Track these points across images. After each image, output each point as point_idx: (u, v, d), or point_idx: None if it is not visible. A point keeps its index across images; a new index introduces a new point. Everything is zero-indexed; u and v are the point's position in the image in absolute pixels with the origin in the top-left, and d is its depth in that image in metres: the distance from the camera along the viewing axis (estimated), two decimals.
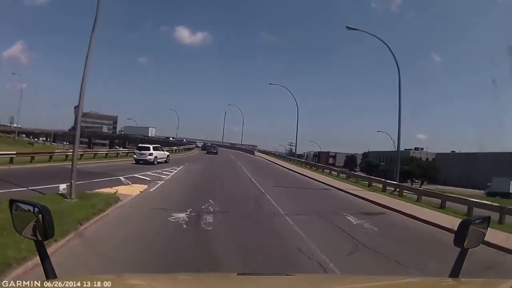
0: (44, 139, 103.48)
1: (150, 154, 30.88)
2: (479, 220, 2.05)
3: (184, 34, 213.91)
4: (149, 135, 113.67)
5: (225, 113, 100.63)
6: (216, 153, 58.32)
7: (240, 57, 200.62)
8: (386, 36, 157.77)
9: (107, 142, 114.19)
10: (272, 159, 56.99)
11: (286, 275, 2.13)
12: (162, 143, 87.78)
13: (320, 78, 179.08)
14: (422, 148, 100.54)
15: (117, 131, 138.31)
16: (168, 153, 36.41)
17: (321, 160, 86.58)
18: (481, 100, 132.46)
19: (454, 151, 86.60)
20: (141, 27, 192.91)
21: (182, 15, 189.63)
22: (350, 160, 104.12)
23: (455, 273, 1.92)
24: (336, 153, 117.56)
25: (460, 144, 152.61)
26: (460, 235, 1.91)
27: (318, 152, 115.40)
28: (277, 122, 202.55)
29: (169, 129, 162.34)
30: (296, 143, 60.10)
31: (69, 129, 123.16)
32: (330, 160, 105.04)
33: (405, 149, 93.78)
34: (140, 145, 34.52)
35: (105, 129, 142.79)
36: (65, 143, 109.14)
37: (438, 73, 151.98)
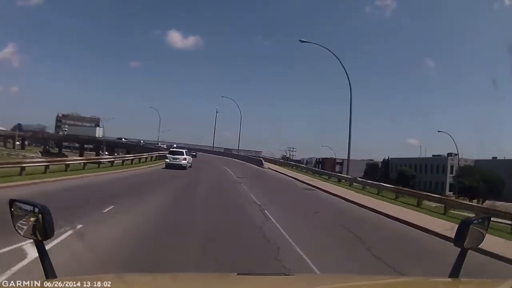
0: (19, 142, 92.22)
1: (184, 159, 30.83)
2: (479, 220, 2.06)
3: (176, 38, 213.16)
4: (96, 135, 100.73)
5: (217, 111, 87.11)
6: (194, 156, 47.85)
7: (236, 59, 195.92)
8: (390, 41, 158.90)
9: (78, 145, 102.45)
10: (299, 175, 34.89)
11: (285, 275, 2.14)
12: (112, 144, 79.13)
13: (320, 82, 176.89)
14: (457, 154, 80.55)
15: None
16: (191, 157, 35.86)
17: (325, 168, 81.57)
18: (480, 102, 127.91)
19: (496, 157, 74.08)
20: (134, 31, 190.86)
21: (175, 19, 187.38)
22: (371, 169, 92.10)
23: (455, 273, 1.91)
24: (343, 159, 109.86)
25: (459, 148, 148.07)
26: (460, 235, 1.91)
27: (321, 158, 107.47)
28: (275, 126, 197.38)
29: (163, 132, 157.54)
30: (349, 147, 34.31)
31: (11, 128, 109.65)
32: (337, 168, 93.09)
33: (433, 155, 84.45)
34: (172, 149, 34.54)
35: (49, 129, 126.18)
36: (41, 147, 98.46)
37: (437, 75, 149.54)
